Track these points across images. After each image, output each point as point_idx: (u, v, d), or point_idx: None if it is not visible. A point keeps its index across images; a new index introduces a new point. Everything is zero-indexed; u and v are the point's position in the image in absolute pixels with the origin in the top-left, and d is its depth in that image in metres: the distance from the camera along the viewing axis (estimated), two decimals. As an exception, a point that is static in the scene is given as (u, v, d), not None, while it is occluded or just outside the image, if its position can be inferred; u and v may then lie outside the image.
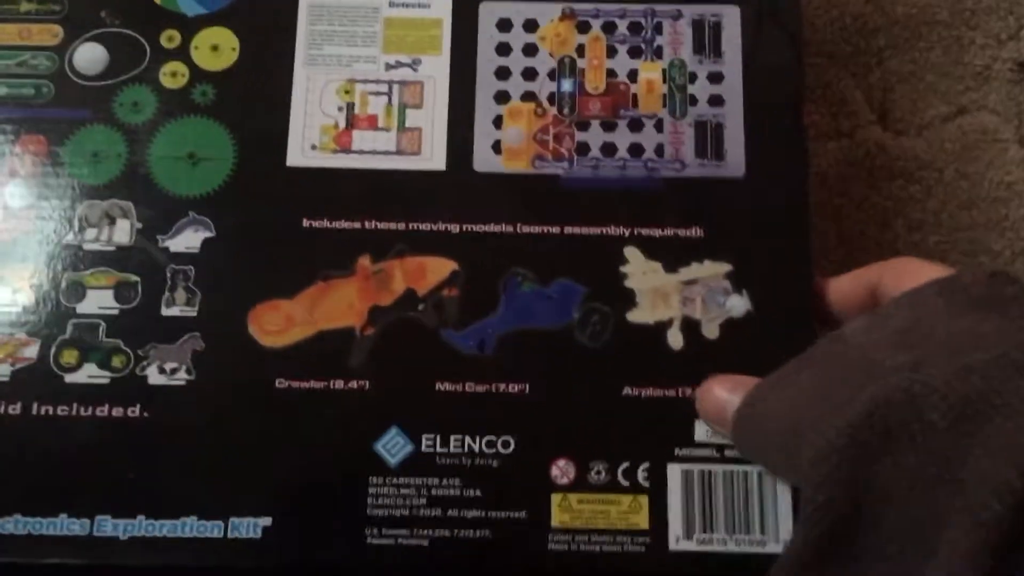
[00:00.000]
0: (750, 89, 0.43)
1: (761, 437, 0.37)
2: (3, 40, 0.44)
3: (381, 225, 0.42)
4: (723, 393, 0.39)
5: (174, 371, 0.40)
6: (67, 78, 0.43)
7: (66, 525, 0.39)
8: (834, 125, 0.53)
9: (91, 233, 0.42)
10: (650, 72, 0.44)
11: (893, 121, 0.53)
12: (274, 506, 0.39)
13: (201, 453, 0.40)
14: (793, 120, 0.43)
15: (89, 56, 0.44)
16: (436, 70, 0.44)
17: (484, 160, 0.43)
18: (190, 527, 0.39)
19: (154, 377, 0.40)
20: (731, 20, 0.44)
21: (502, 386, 0.40)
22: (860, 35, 0.54)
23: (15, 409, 0.40)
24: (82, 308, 0.41)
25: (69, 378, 0.40)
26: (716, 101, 0.43)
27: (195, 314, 0.41)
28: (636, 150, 0.43)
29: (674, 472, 0.40)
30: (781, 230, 0.42)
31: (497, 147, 0.43)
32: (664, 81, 0.44)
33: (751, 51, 0.44)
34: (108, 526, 0.39)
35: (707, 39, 0.44)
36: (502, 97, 0.44)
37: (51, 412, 0.40)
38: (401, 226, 0.42)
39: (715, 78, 0.44)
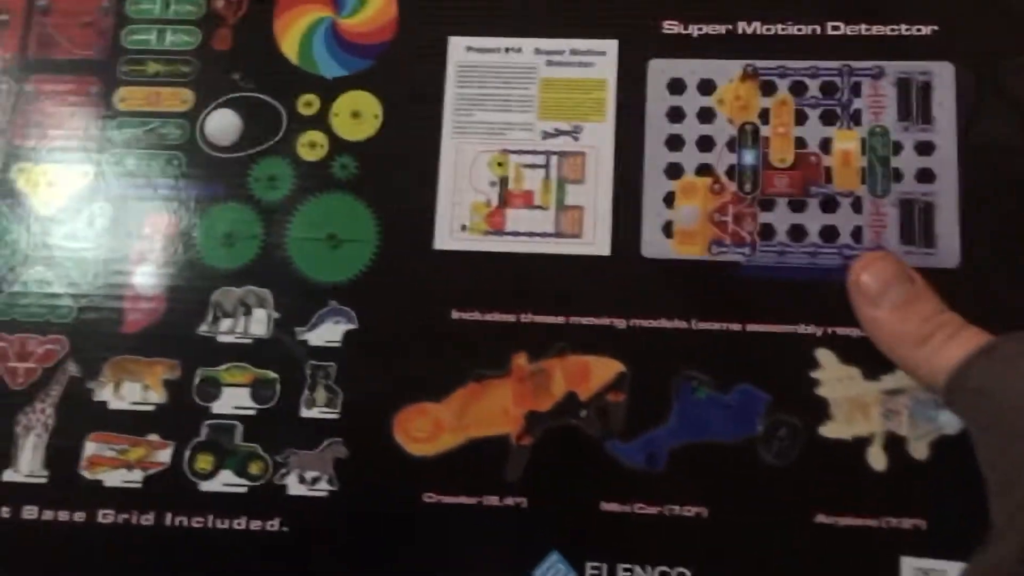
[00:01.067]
0: (967, 162, 0.36)
1: (976, 417, 0.31)
2: (130, 105, 0.39)
3: (538, 318, 0.36)
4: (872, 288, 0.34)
5: (315, 481, 0.36)
6: (198, 149, 0.38)
7: (202, 650, 0.35)
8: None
9: (226, 324, 0.37)
10: (846, 141, 0.37)
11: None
12: (422, 636, 0.34)
13: (344, 574, 0.35)
14: (1019, 200, 0.35)
15: (221, 124, 0.39)
16: (599, 139, 0.37)
17: (653, 244, 0.36)
18: (331, 656, 0.34)
19: (294, 487, 0.36)
20: (943, 79, 0.36)
21: (676, 508, 0.35)
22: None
23: (148, 519, 0.36)
24: (217, 407, 0.36)
25: (204, 486, 0.36)
26: (926, 177, 0.36)
27: (337, 416, 0.36)
28: (829, 234, 0.36)
29: (876, 617, 0.33)
30: (1003, 330, 0.34)
31: (668, 229, 0.36)
32: (863, 152, 0.36)
33: (968, 116, 0.36)
34: (246, 653, 0.35)
35: (915, 102, 0.36)
36: (674, 171, 0.37)
37: (185, 523, 0.36)
38: (560, 320, 0.36)
39: (924, 149, 0.36)
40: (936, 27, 0.37)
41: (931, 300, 0.33)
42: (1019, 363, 0.31)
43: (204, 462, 0.36)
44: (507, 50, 0.38)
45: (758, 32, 0.38)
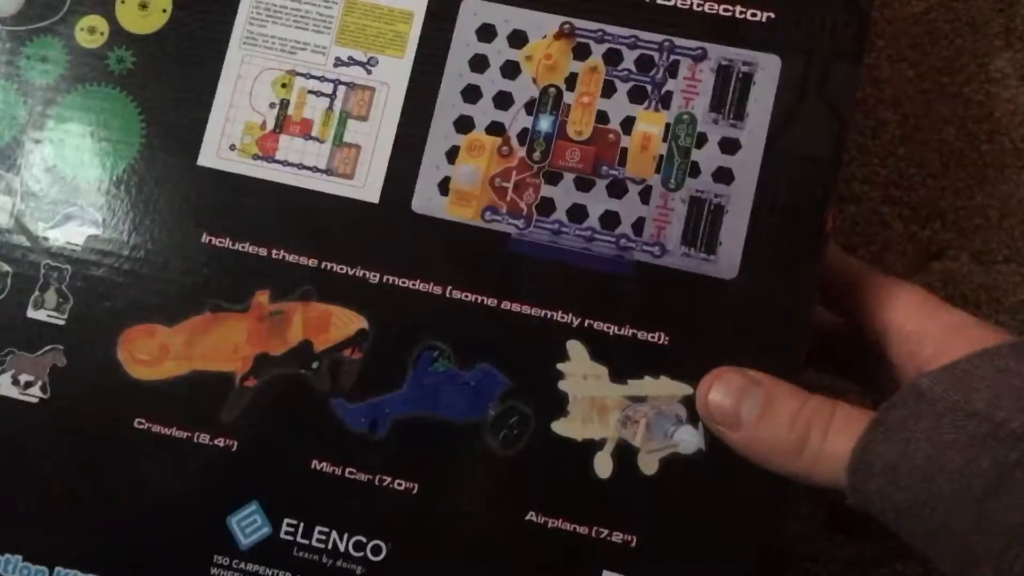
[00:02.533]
0: (770, 169, 0.32)
1: (895, 497, 0.27)
2: (-82, -43, 0.35)
3: (290, 257, 0.33)
4: (730, 393, 0.30)
5: (28, 385, 0.33)
6: (-24, 16, 0.35)
7: None
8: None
9: (-33, 206, 0.34)
10: (650, 124, 0.32)
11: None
12: (105, 564, 0.32)
13: (40, 485, 0.32)
14: (815, 222, 0.31)
15: (4, -8, 0.35)
16: (394, 76, 0.33)
17: (425, 200, 0.33)
18: (13, 567, 0.32)
19: (5, 387, 0.33)
20: (767, 74, 0.32)
21: (387, 480, 0.31)
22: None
23: None
24: (-56, 291, 0.33)
25: (-84, 369, 0.33)
26: (724, 176, 0.32)
27: (63, 323, 0.33)
28: (610, 221, 0.32)
29: (565, 629, 0.31)
30: (769, 356, 0.31)
31: (444, 186, 0.33)
32: (665, 139, 0.32)
33: (783, 120, 0.32)
34: (-73, 547, 0.32)
35: (731, 93, 0.32)
36: (464, 124, 0.33)
37: None
38: (312, 262, 0.33)
39: (729, 146, 0.32)
40: (773, 15, 0.32)
41: (788, 396, 0.29)
42: (913, 428, 0.27)
43: (-81, 345, 0.33)
44: (316, -37, 0.34)
45: (585, -12, 0.33)
